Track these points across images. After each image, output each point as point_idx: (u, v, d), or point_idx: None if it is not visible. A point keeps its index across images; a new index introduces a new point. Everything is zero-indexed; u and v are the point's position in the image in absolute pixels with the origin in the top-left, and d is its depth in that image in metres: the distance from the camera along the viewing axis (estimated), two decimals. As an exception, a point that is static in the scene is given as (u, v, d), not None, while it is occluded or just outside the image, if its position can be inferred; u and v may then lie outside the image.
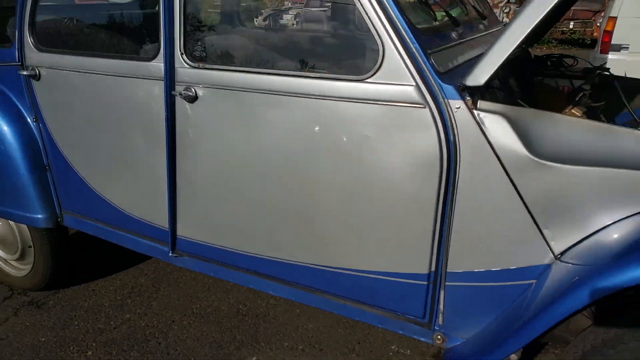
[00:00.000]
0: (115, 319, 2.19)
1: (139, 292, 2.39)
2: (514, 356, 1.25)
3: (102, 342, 2.05)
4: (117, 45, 1.95)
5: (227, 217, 1.70)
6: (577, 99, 1.78)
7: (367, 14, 1.33)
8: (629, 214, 1.22)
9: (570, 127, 1.31)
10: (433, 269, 1.41)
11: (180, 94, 1.62)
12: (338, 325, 2.11)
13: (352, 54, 1.62)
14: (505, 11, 16.00)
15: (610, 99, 1.81)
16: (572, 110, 1.79)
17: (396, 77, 1.33)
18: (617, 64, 4.60)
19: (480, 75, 1.26)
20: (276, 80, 1.49)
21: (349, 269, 1.55)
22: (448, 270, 1.40)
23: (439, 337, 1.45)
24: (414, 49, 1.31)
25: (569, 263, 1.25)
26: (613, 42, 4.57)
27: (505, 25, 1.29)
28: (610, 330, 1.18)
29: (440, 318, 1.45)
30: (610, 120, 1.89)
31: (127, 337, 2.08)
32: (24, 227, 2.22)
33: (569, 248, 1.28)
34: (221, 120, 1.61)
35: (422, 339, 1.49)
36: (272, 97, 1.50)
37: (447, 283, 1.41)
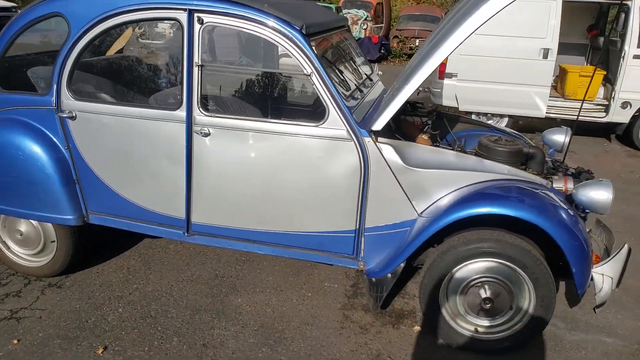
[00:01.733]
0: (127, 288, 3.03)
1: (135, 271, 3.22)
2: (401, 265, 2.48)
3: (125, 303, 2.88)
4: (145, 98, 2.80)
5: (228, 205, 2.70)
6: (424, 129, 3.11)
7: (319, 92, 2.46)
8: (450, 191, 2.52)
9: (421, 150, 2.59)
10: (357, 226, 2.60)
11: (198, 133, 2.58)
12: (288, 275, 3.22)
13: (309, 112, 2.72)
14: (363, 28, 18.09)
15: (443, 126, 3.17)
16: (422, 136, 3.11)
17: (336, 125, 2.48)
18: (450, 87, 6.33)
19: (379, 125, 2.47)
20: (263, 125, 2.54)
21: (308, 231, 2.66)
22: (365, 227, 2.60)
23: (362, 263, 2.65)
24: (344, 110, 2.47)
25: (425, 217, 2.52)
26: (446, 71, 6.27)
27: (394, 89, 2.49)
28: (442, 248, 2.47)
29: (362, 253, 2.64)
30: (443, 140, 3.25)
31: (142, 298, 2.94)
32: (48, 226, 2.94)
33: (425, 209, 2.54)
34: (225, 147, 2.60)
35: (352, 267, 2.67)
36: (259, 134, 2.55)
37: (365, 234, 2.61)
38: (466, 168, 2.54)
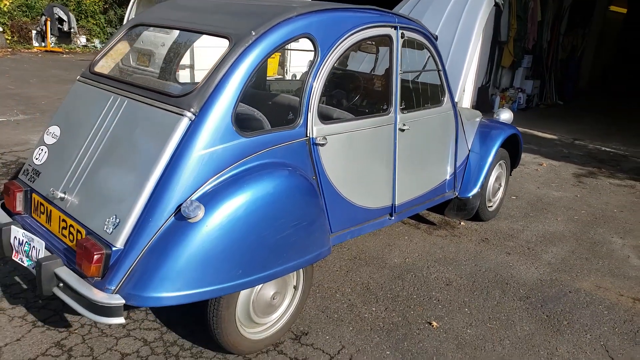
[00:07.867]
0: (353, 315, 3.07)
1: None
2: (484, 183, 4.03)
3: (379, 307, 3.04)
4: (369, 109, 2.82)
5: (412, 182, 3.34)
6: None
7: (443, 81, 3.53)
8: (475, 131, 4.19)
9: (462, 110, 4.10)
10: (454, 169, 3.88)
11: (400, 129, 3.13)
12: (395, 239, 3.97)
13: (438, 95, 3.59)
14: None
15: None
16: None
17: (448, 101, 3.63)
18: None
19: (457, 96, 3.82)
20: (432, 110, 3.38)
21: (436, 186, 3.71)
22: (457, 166, 3.91)
23: (455, 192, 3.96)
24: (451, 91, 3.65)
25: (473, 151, 4.11)
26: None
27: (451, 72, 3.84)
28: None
29: (459, 188, 3.96)
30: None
31: (357, 332, 3.13)
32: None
33: (471, 146, 4.11)
34: (413, 135, 3.24)
35: (451, 197, 3.94)
36: (429, 118, 3.37)
37: (456, 172, 3.93)
38: (474, 117, 4.27)
